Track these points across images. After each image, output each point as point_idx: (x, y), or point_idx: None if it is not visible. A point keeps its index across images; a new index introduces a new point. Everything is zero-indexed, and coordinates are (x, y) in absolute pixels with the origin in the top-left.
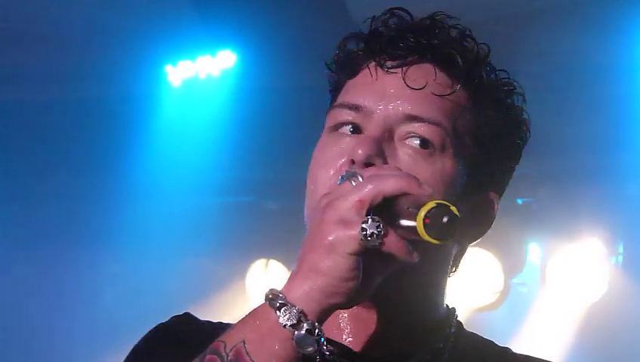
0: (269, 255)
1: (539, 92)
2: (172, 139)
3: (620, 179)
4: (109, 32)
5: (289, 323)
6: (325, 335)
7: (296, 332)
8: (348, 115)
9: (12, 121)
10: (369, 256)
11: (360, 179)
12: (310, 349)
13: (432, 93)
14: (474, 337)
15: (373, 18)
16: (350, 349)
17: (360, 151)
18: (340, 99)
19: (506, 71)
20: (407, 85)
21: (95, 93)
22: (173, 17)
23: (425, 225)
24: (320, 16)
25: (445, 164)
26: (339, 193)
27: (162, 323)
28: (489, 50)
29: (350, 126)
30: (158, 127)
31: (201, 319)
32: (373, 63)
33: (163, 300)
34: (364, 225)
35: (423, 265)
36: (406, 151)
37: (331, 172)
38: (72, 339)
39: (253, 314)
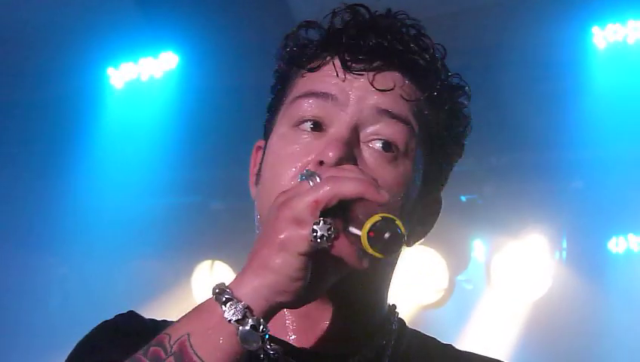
0: (214, 256)
1: (484, 88)
2: (116, 141)
3: (563, 175)
4: (48, 33)
5: (234, 319)
6: (270, 333)
7: (240, 328)
8: (311, 108)
9: None
10: (320, 257)
11: (318, 179)
12: (254, 345)
13: (401, 96)
14: (416, 334)
15: (333, 13)
16: (295, 347)
17: (331, 154)
18: (304, 88)
19: (458, 74)
20: (375, 86)
21: (36, 96)
22: (114, 18)
23: (369, 238)
24: (262, 16)
25: (407, 167)
26: (295, 192)
27: (106, 321)
28: (445, 52)
29: (311, 123)
30: (102, 129)
31: (146, 317)
32: (337, 62)
33: (110, 302)
34: (315, 227)
35: (372, 268)
36: (371, 153)
37: (293, 170)
38: (20, 343)
39: (200, 308)
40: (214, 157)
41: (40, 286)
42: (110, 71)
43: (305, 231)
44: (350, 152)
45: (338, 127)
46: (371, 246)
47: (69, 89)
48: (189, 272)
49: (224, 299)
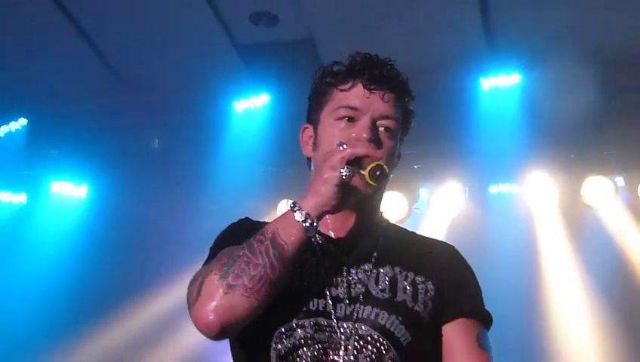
0: (290, 197)
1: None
2: (239, 141)
3: (466, 152)
4: (202, 81)
5: (300, 220)
6: (319, 230)
7: (304, 224)
8: (347, 112)
9: (155, 129)
10: (346, 187)
11: (345, 146)
12: (311, 234)
13: (393, 104)
14: (396, 226)
15: (356, 54)
16: (332, 237)
17: (364, 135)
18: (344, 102)
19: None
20: (383, 100)
21: (194, 118)
22: (236, 76)
23: (369, 175)
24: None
25: (396, 140)
26: (333, 153)
27: (233, 223)
28: (407, 78)
29: (347, 118)
30: (231, 134)
31: (255, 220)
32: (360, 84)
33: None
34: (342, 170)
35: (374, 193)
36: (381, 133)
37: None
38: (179, 253)
39: (283, 215)
40: (290, 153)
41: (192, 213)
42: (235, 103)
43: (336, 173)
44: (373, 132)
45: (365, 121)
46: (370, 179)
47: (216, 113)
48: (275, 205)
49: (295, 209)
